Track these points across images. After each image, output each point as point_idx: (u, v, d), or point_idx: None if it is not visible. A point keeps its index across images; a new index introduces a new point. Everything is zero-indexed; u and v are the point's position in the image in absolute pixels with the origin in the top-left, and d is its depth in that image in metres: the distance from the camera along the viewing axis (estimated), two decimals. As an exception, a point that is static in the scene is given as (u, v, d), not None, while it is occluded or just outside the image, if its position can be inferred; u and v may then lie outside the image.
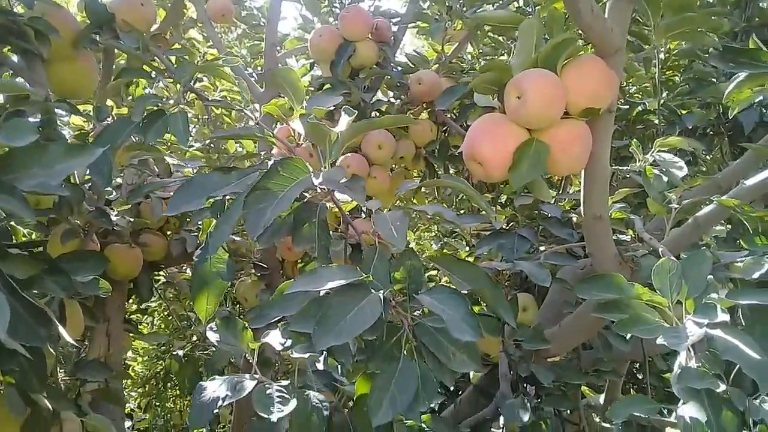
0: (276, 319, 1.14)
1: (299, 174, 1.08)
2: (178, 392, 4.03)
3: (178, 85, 1.45)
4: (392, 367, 1.00)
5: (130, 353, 4.03)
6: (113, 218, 2.00)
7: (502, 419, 1.95)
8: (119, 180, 2.28)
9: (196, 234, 2.35)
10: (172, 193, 2.23)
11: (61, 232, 1.61)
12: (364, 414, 1.09)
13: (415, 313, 1.05)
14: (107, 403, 1.83)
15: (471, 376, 2.44)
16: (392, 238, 1.03)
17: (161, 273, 3.24)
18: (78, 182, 1.73)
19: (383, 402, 0.97)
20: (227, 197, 1.22)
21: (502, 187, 3.16)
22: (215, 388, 1.28)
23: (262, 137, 1.19)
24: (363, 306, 0.96)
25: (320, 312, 0.97)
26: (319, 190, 1.13)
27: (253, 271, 2.57)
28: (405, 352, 1.03)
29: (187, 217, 2.35)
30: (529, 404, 1.69)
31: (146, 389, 4.06)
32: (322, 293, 1.06)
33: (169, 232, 2.39)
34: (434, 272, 2.32)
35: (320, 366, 1.62)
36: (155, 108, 1.39)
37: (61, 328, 1.30)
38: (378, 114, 2.43)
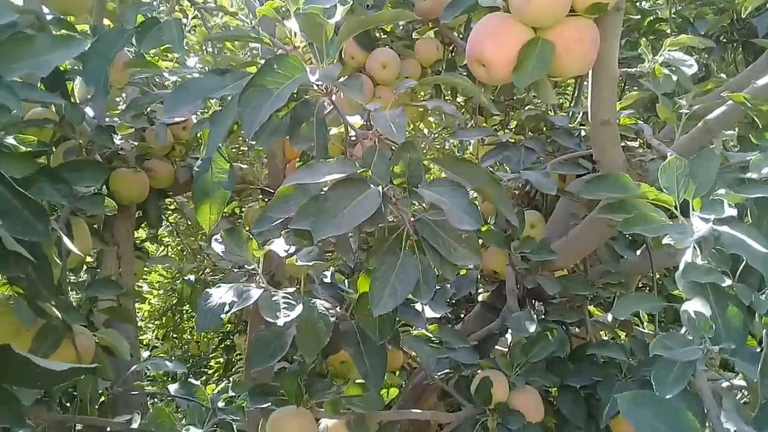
0: (279, 221, 1.13)
1: (295, 71, 1.05)
2: (194, 324, 4.11)
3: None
4: (393, 261, 1.00)
5: (146, 287, 4.10)
6: (117, 142, 2.00)
7: (509, 334, 1.96)
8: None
9: (203, 160, 2.34)
10: (176, 119, 2.22)
11: (64, 149, 1.61)
12: (367, 312, 1.09)
13: (415, 209, 1.04)
14: (119, 321, 1.86)
15: (480, 298, 2.46)
16: (391, 133, 1.01)
17: (171, 206, 3.26)
18: (77, 102, 1.71)
19: (383, 293, 0.97)
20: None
21: (512, 113, 3.11)
22: (221, 294, 1.29)
23: (257, 38, 1.16)
24: (362, 199, 0.95)
25: (318, 206, 0.96)
26: (316, 88, 1.10)
27: (261, 196, 2.57)
28: (406, 247, 1.03)
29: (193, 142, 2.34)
30: (535, 316, 1.69)
31: (163, 321, 4.15)
32: (321, 192, 1.05)
33: (176, 159, 2.38)
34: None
35: (327, 280, 1.63)
36: (148, 16, 1.35)
37: (66, 240, 1.31)
38: (382, 34, 2.37)
